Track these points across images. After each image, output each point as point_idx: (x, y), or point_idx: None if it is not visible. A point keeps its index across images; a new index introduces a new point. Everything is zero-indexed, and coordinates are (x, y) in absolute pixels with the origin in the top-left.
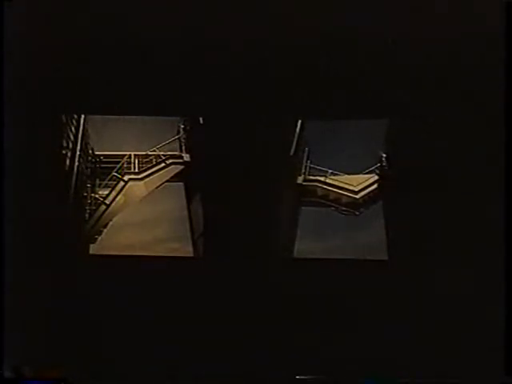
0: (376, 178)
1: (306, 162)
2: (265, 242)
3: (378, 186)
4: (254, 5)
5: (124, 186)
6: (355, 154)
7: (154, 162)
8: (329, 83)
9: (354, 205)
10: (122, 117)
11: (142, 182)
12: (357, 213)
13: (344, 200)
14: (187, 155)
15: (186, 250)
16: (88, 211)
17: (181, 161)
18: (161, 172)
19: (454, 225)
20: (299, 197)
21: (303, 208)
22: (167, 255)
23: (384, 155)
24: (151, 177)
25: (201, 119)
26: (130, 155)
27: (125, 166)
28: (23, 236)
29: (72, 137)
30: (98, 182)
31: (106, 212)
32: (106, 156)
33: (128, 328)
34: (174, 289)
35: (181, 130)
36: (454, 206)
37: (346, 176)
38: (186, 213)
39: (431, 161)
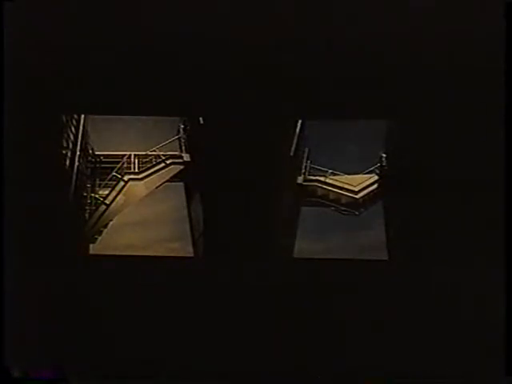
0: (376, 177)
1: (306, 162)
2: (265, 242)
3: (378, 185)
4: (255, 5)
5: (124, 186)
6: (355, 154)
7: (154, 162)
8: (329, 83)
9: (354, 205)
10: (122, 117)
11: (142, 182)
12: (357, 213)
13: (344, 200)
14: (187, 155)
15: (186, 250)
16: (88, 211)
17: (181, 161)
18: (161, 172)
19: (453, 225)
20: (299, 197)
21: (303, 208)
22: (167, 255)
23: (384, 155)
24: (151, 177)
25: (201, 119)
26: (130, 155)
27: (125, 165)
28: (23, 236)
29: (72, 137)
30: (97, 181)
31: (106, 212)
32: (106, 156)
33: (128, 327)
34: (174, 289)
35: (181, 130)
36: (453, 205)
37: (346, 176)
38: (185, 213)
39: (431, 161)
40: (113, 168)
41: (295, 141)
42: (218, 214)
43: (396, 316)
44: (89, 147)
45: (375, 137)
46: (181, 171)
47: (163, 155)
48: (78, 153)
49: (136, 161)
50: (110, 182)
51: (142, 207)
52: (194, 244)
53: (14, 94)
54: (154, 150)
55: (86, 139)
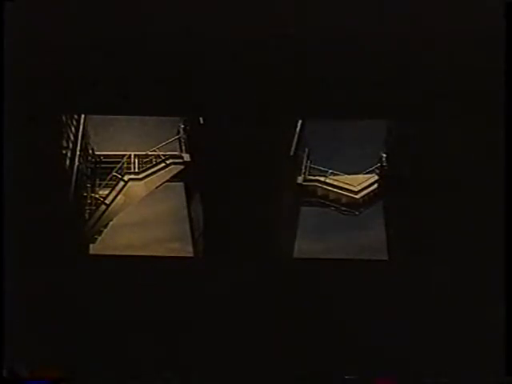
0: (376, 177)
1: (306, 162)
2: (265, 241)
3: (378, 185)
4: (255, 5)
5: (124, 186)
6: (355, 155)
7: (154, 162)
8: (329, 83)
9: (354, 205)
10: (122, 117)
11: (142, 182)
12: (357, 213)
13: (344, 200)
14: (187, 155)
15: (185, 250)
16: (88, 211)
17: (181, 161)
18: (161, 172)
19: (453, 225)
20: (299, 197)
21: (303, 208)
22: (167, 255)
23: (384, 155)
24: (151, 177)
25: (201, 119)
26: (130, 155)
27: (125, 165)
28: (23, 236)
29: (72, 137)
30: (98, 181)
31: (106, 212)
32: (106, 156)
33: (128, 327)
34: (174, 289)
35: (181, 130)
36: (453, 205)
37: (346, 176)
38: (185, 213)
39: (431, 161)
40: (113, 168)
41: (295, 141)
42: (217, 214)
43: (396, 316)
44: (89, 147)
45: (375, 137)
46: (181, 171)
47: (163, 155)
48: (78, 153)
49: (136, 161)
50: (110, 182)
51: (141, 207)
52: (194, 244)
53: (14, 93)
54: (154, 150)
55: (86, 139)
